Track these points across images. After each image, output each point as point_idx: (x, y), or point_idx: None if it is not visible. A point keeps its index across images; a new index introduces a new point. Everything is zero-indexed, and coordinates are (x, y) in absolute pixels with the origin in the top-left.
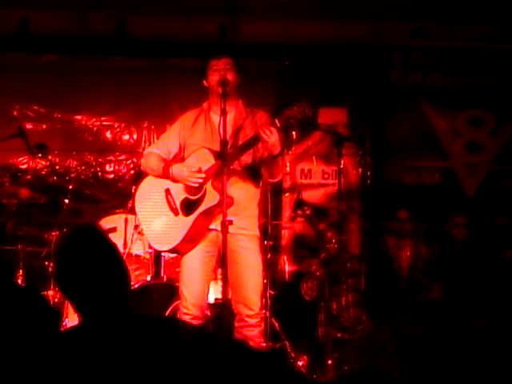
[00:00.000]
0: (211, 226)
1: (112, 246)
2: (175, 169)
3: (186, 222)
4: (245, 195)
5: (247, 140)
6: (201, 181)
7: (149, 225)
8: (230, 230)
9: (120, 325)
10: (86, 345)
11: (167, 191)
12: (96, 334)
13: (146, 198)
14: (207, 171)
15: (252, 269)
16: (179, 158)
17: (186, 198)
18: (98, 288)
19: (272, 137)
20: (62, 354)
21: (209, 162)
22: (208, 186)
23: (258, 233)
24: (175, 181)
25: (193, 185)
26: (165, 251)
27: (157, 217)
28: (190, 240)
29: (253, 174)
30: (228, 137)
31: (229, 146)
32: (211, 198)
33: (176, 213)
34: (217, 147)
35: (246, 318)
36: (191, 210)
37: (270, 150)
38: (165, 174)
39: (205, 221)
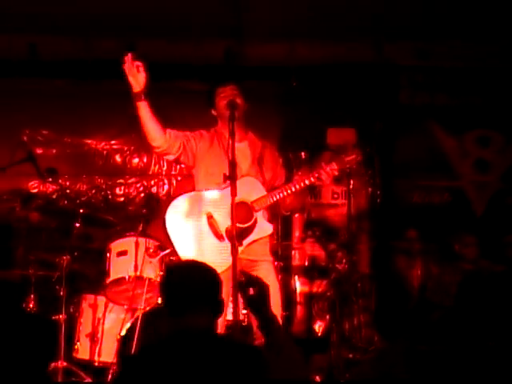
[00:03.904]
0: None
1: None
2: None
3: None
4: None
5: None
6: None
7: (188, 247)
8: (252, 258)
9: (196, 344)
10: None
11: (209, 215)
12: (175, 351)
13: (180, 222)
14: (257, 201)
15: (272, 294)
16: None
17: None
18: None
19: (329, 179)
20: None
21: (259, 191)
22: (259, 216)
23: (271, 258)
24: (217, 205)
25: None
26: None
27: (198, 239)
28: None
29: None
30: (249, 164)
31: (255, 174)
32: (263, 229)
33: (221, 239)
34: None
35: None
36: (240, 238)
37: (321, 183)
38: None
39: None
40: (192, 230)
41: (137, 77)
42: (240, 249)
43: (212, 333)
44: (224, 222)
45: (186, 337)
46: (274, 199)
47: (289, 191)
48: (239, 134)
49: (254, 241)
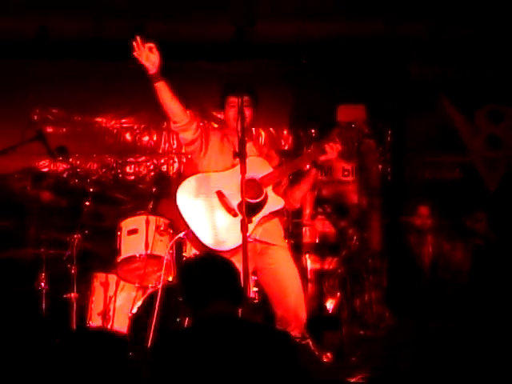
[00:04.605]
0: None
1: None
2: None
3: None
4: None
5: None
6: None
7: (200, 222)
8: (268, 241)
9: (224, 328)
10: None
11: (220, 193)
12: (204, 335)
13: (192, 195)
14: (266, 177)
15: (293, 278)
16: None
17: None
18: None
19: (333, 153)
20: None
21: (266, 168)
22: (269, 191)
23: (286, 243)
24: (226, 184)
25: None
26: (219, 251)
27: (211, 214)
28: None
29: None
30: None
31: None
32: (275, 203)
33: (234, 214)
34: None
35: (294, 328)
36: (252, 213)
37: (327, 159)
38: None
39: (262, 224)
40: (204, 208)
41: (150, 58)
42: (251, 226)
43: (236, 318)
44: (235, 198)
45: (210, 323)
46: (283, 175)
47: (294, 166)
48: (245, 138)
49: (266, 216)
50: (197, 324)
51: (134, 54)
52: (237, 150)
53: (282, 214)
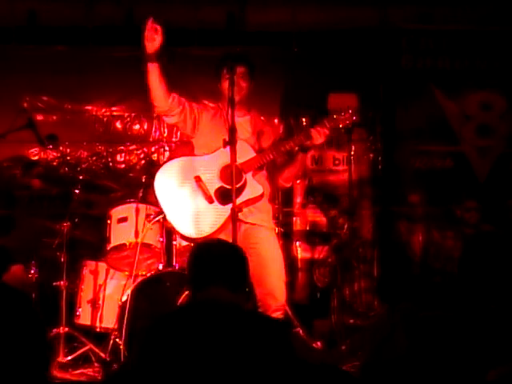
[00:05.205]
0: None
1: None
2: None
3: (224, 211)
4: (264, 191)
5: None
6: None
7: (176, 210)
8: (251, 221)
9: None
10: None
11: (197, 178)
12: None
13: (169, 182)
14: (246, 163)
15: (276, 259)
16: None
17: (221, 187)
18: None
19: (320, 139)
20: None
21: (248, 154)
22: (248, 177)
23: (273, 226)
24: (205, 169)
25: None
26: (194, 239)
27: (186, 202)
28: (223, 229)
29: (272, 172)
30: (249, 135)
31: (252, 144)
32: (253, 190)
33: (210, 200)
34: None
35: (274, 311)
36: (229, 199)
37: (312, 143)
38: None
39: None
40: (181, 193)
41: (153, 39)
42: (226, 213)
43: (234, 305)
44: (213, 184)
45: (205, 307)
46: (264, 160)
47: (278, 151)
48: (242, 111)
49: (245, 202)
50: (187, 308)
51: (145, 32)
52: (229, 123)
53: (272, 200)
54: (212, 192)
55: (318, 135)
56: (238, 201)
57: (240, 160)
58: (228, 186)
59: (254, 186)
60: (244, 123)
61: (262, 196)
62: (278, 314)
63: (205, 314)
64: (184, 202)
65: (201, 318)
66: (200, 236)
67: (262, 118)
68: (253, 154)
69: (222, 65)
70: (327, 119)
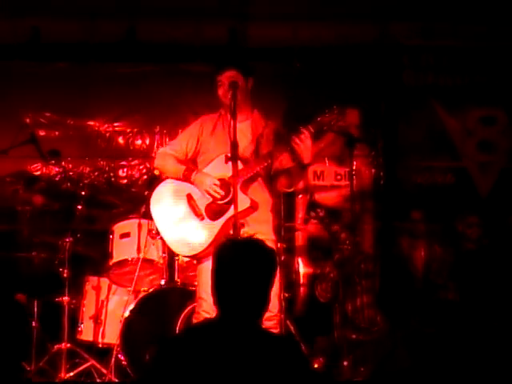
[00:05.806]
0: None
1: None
2: (198, 177)
3: (214, 227)
4: (261, 201)
5: (271, 150)
6: (218, 196)
7: (170, 230)
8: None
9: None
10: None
11: (189, 196)
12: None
13: (163, 203)
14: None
15: None
16: (191, 159)
17: (211, 203)
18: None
19: (302, 145)
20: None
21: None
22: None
23: (273, 237)
24: (196, 186)
25: (208, 197)
26: (189, 256)
27: (179, 222)
28: (214, 243)
29: (269, 180)
30: (246, 144)
31: (250, 152)
32: (241, 203)
33: (201, 218)
34: (241, 154)
35: (265, 321)
36: (219, 215)
37: (301, 158)
38: (185, 178)
39: (230, 225)
40: (174, 214)
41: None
42: (215, 230)
43: (251, 324)
44: (204, 199)
45: (225, 325)
46: (252, 173)
47: (265, 163)
48: (243, 113)
49: (234, 215)
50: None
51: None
52: (231, 138)
53: (274, 209)
54: (203, 208)
55: (300, 142)
56: (226, 216)
57: (228, 173)
58: (219, 202)
59: (242, 199)
60: (245, 129)
61: (252, 208)
62: (270, 324)
63: (224, 334)
64: (176, 221)
65: (220, 338)
66: (193, 253)
67: (263, 120)
68: (240, 167)
69: (215, 73)
70: (311, 124)
